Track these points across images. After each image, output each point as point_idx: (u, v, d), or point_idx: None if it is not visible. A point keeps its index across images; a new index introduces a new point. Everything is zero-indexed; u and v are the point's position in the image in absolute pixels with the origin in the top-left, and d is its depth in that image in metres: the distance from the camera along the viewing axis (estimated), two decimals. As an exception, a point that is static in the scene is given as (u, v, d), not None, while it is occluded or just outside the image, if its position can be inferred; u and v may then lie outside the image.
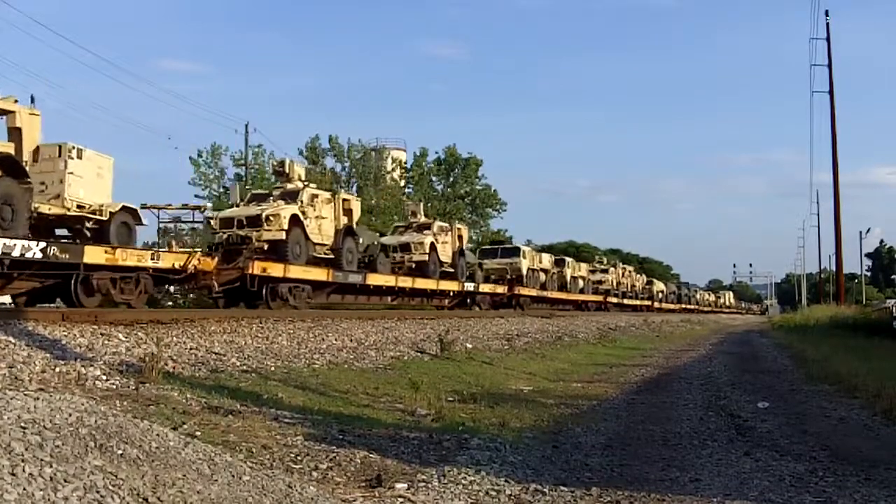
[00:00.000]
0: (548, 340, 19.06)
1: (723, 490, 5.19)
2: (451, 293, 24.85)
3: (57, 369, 7.03)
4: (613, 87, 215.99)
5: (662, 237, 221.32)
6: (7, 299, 13.15)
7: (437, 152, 51.21)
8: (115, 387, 6.82)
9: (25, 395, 4.59)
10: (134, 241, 14.48)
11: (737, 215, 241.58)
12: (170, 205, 18.84)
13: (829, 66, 33.52)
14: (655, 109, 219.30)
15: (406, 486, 4.89)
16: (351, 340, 12.56)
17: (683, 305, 62.86)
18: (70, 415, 4.21)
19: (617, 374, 13.50)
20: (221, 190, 38.46)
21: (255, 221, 16.27)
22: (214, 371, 8.46)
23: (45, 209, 12.65)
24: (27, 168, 12.22)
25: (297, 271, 16.23)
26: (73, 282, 11.69)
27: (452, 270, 24.64)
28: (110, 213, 13.78)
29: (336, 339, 12.34)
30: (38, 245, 10.94)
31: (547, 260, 34.29)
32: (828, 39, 33.76)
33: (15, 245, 10.48)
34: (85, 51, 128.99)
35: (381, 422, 7.01)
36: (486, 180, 51.92)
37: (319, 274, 17.20)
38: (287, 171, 18.76)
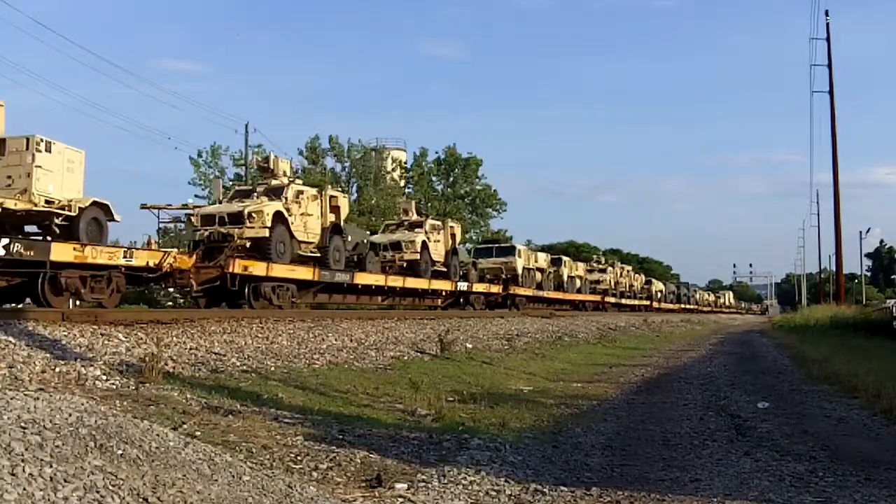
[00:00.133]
0: (548, 340, 19.06)
1: (723, 490, 5.19)
2: (444, 293, 24.25)
3: (57, 369, 7.03)
4: (613, 86, 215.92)
5: (662, 237, 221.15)
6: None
7: (437, 152, 51.31)
8: (115, 387, 6.82)
9: (25, 395, 4.59)
10: (105, 238, 13.85)
11: (737, 215, 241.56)
12: (170, 205, 18.79)
13: (829, 66, 33.54)
14: (655, 109, 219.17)
15: (406, 486, 4.89)
16: (351, 340, 12.56)
17: (683, 305, 62.70)
18: (70, 415, 4.21)
19: (617, 374, 13.50)
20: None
21: (237, 218, 15.73)
22: (214, 371, 8.46)
23: (10, 204, 12.16)
24: None
25: (280, 270, 15.78)
26: (39, 280, 11.31)
27: (445, 270, 24.13)
28: (80, 208, 13.17)
29: (336, 339, 12.34)
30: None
31: (543, 259, 33.77)
32: (828, 39, 33.79)
33: None
34: (85, 51, 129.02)
35: (381, 422, 7.01)
36: (486, 180, 52.03)
37: (305, 273, 16.68)
38: (271, 166, 18.17)
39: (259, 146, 40.90)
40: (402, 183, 48.83)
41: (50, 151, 12.95)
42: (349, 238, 19.16)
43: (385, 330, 14.46)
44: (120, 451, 3.91)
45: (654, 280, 57.20)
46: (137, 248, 13.93)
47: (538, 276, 32.15)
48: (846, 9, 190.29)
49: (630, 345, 22.15)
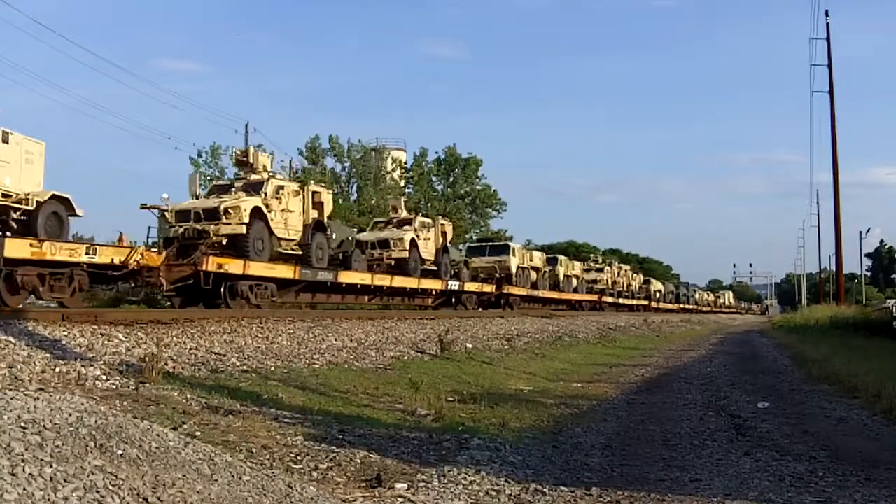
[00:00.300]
0: (548, 340, 19.06)
1: (723, 490, 5.19)
2: (434, 292, 23.62)
3: (57, 369, 7.03)
4: (613, 86, 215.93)
5: (662, 237, 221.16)
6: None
7: (437, 152, 51.34)
8: (115, 387, 6.82)
9: (25, 395, 4.59)
10: (66, 234, 13.24)
11: (737, 215, 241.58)
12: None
13: (829, 66, 33.55)
14: (655, 109, 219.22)
15: (406, 486, 4.89)
16: (351, 340, 12.56)
17: (682, 305, 62.50)
18: (70, 415, 4.21)
19: (617, 374, 13.50)
20: None
21: (213, 214, 15.14)
22: (214, 371, 8.46)
23: None
24: None
25: (258, 268, 15.19)
26: None
27: (435, 268, 23.51)
28: (38, 202, 12.58)
29: (336, 339, 12.34)
30: None
31: (538, 258, 33.20)
32: (828, 39, 33.79)
33: None
34: (85, 51, 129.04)
35: (381, 422, 7.01)
36: (486, 180, 52.05)
37: (285, 271, 16.12)
38: (251, 160, 17.42)
39: (259, 146, 40.91)
40: (402, 183, 48.83)
41: (7, 142, 12.49)
42: (333, 235, 18.60)
43: (385, 330, 14.46)
44: (120, 451, 3.91)
45: (652, 280, 56.87)
46: (101, 245, 13.06)
47: (533, 275, 31.62)
48: (846, 9, 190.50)
49: (630, 345, 22.15)
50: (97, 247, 12.65)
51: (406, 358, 12.04)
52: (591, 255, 49.24)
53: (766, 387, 11.42)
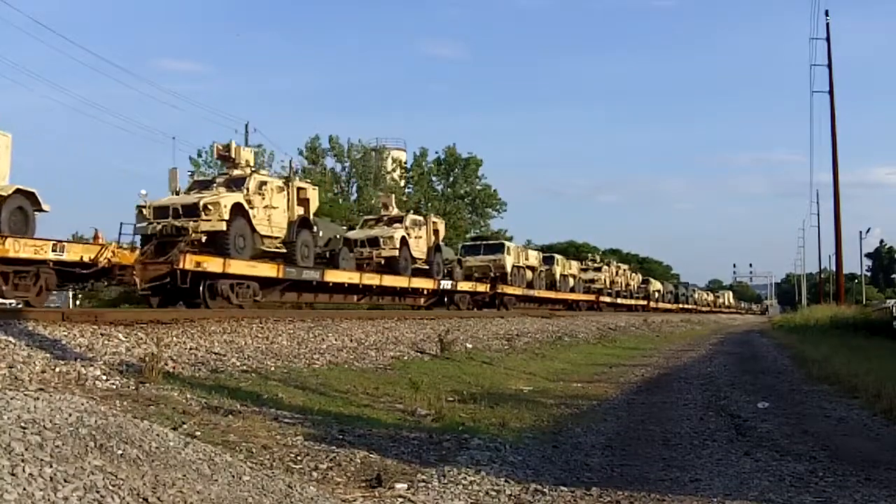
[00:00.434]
0: (548, 340, 19.07)
1: (723, 490, 5.19)
2: (426, 292, 22.93)
3: (57, 369, 7.03)
4: (613, 86, 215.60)
5: (662, 237, 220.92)
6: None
7: (437, 152, 51.37)
8: (115, 387, 6.83)
9: (25, 395, 4.60)
10: (32, 230, 12.53)
11: (737, 215, 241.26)
12: None
13: (829, 66, 33.55)
14: (655, 109, 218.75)
15: (406, 486, 4.89)
16: (351, 340, 12.57)
17: (681, 305, 62.20)
18: (70, 415, 4.22)
19: (617, 374, 13.51)
20: None
21: (191, 210, 14.52)
22: (214, 371, 8.46)
23: None
24: None
25: (239, 266, 14.59)
26: None
27: (427, 267, 22.81)
28: (1, 196, 12.03)
29: (336, 339, 12.34)
30: None
31: (534, 257, 32.54)
32: (828, 39, 33.79)
33: None
34: (85, 51, 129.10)
35: (381, 422, 7.01)
36: (486, 180, 52.07)
37: (267, 270, 15.56)
38: (233, 155, 16.61)
39: (259, 146, 40.93)
40: (402, 183, 48.86)
41: None
42: (320, 233, 17.95)
43: (385, 330, 14.46)
44: (120, 451, 3.91)
45: (651, 279, 56.54)
46: (69, 242, 12.52)
47: (529, 274, 31.11)
48: (846, 9, 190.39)
49: (630, 345, 22.16)
50: (65, 244, 12.21)
51: (406, 358, 12.05)
52: (589, 255, 48.71)
53: (766, 387, 11.42)
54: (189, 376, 7.94)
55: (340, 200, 42.79)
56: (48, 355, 7.51)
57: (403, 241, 21.44)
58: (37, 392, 5.17)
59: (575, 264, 39.57)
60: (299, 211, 17.12)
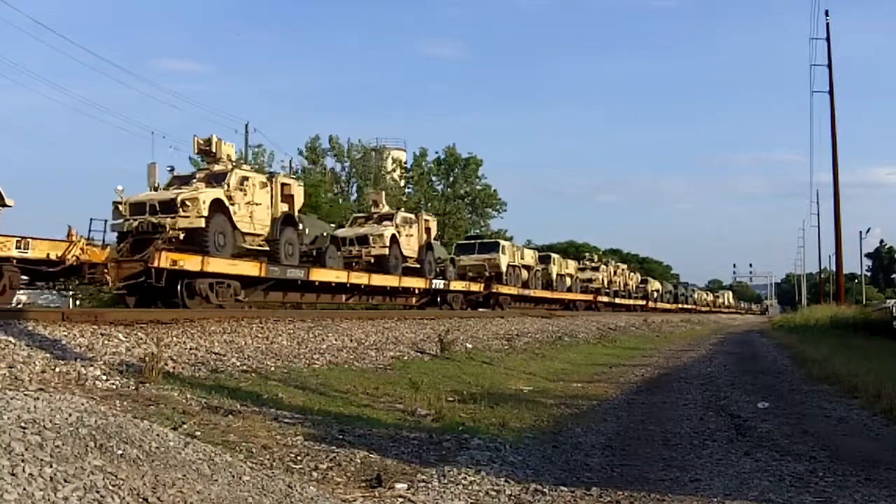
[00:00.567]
0: (548, 340, 19.06)
1: (723, 490, 5.19)
2: (417, 291, 22.35)
3: (57, 369, 7.03)
4: (613, 86, 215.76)
5: (662, 237, 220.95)
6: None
7: (437, 152, 51.30)
8: (115, 387, 6.83)
9: (25, 395, 4.60)
10: None
11: (737, 215, 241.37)
12: None
13: (829, 66, 33.53)
14: (655, 109, 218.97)
15: (406, 486, 4.89)
16: (351, 340, 12.57)
17: (680, 305, 61.83)
18: (70, 415, 4.22)
19: (617, 374, 13.51)
20: None
21: (169, 206, 13.97)
22: (214, 371, 8.46)
23: None
24: None
25: (219, 265, 14.02)
26: None
27: (418, 266, 22.28)
28: None
29: (336, 339, 12.34)
30: None
31: (530, 256, 31.97)
32: (828, 39, 33.78)
33: None
34: (85, 51, 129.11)
35: (381, 422, 7.02)
36: (486, 180, 52.01)
37: (249, 268, 14.97)
38: (213, 150, 15.93)
39: (259, 146, 40.93)
40: (402, 183, 48.85)
41: None
42: (306, 231, 17.38)
43: (385, 330, 14.46)
44: (120, 451, 3.91)
45: (650, 279, 56.24)
46: (35, 238, 12.02)
47: (524, 273, 30.62)
48: (846, 9, 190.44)
49: (630, 345, 22.15)
50: (30, 240, 11.81)
51: (406, 358, 12.05)
52: (587, 254, 48.10)
53: (766, 387, 11.42)
54: (189, 376, 7.94)
55: (340, 200, 42.75)
56: (48, 355, 7.51)
57: (394, 239, 20.94)
58: (37, 392, 5.17)
59: (572, 264, 39.10)
60: (283, 207, 16.57)
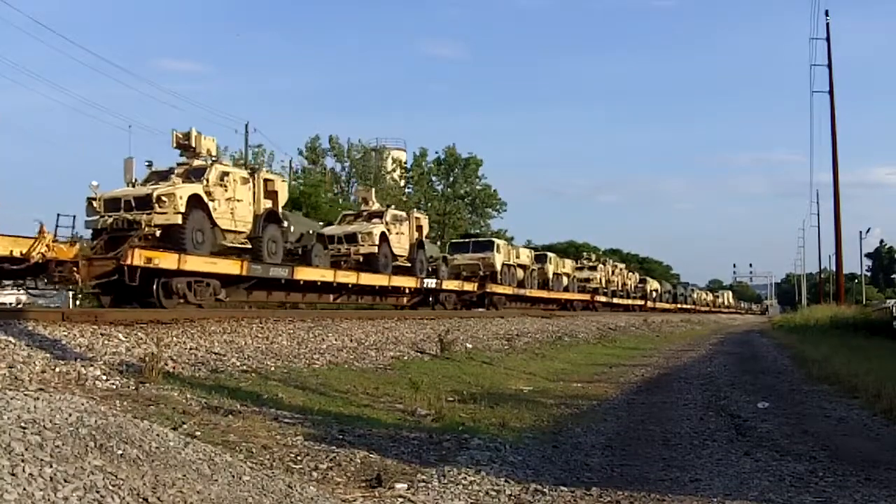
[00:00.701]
0: (548, 340, 19.07)
1: (723, 490, 5.19)
2: (408, 290, 21.82)
3: (57, 369, 7.03)
4: (613, 86, 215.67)
5: (662, 237, 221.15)
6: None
7: (437, 152, 51.41)
8: (115, 387, 6.83)
9: (25, 395, 4.60)
10: None
11: (737, 215, 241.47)
12: None
13: (829, 66, 33.56)
14: (655, 109, 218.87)
15: (406, 486, 4.89)
16: (351, 340, 12.57)
17: (679, 305, 61.59)
18: (70, 415, 4.22)
19: (617, 374, 13.51)
20: None
21: (145, 203, 13.49)
22: (214, 371, 8.46)
23: None
24: None
25: (197, 263, 13.42)
26: None
27: (409, 265, 21.75)
28: None
29: (336, 339, 12.35)
30: None
31: (525, 255, 31.62)
32: (828, 39, 33.81)
33: None
34: (85, 51, 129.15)
35: (381, 422, 7.02)
36: (486, 180, 52.09)
37: (229, 266, 14.31)
38: (193, 144, 15.29)
39: (259, 146, 40.96)
40: (402, 183, 48.87)
41: None
42: (291, 228, 16.90)
43: (385, 330, 14.46)
44: (120, 451, 3.91)
45: (648, 279, 55.97)
46: None
47: (520, 273, 30.25)
48: (846, 9, 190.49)
49: (630, 345, 22.16)
50: None
51: (406, 358, 12.05)
52: (584, 253, 47.56)
53: (766, 387, 11.42)
54: (189, 376, 7.94)
55: (340, 200, 42.77)
56: (48, 355, 7.51)
57: (383, 237, 20.37)
58: (37, 392, 5.17)
59: (569, 263, 38.71)
60: (266, 204, 16.00)
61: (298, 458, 5.32)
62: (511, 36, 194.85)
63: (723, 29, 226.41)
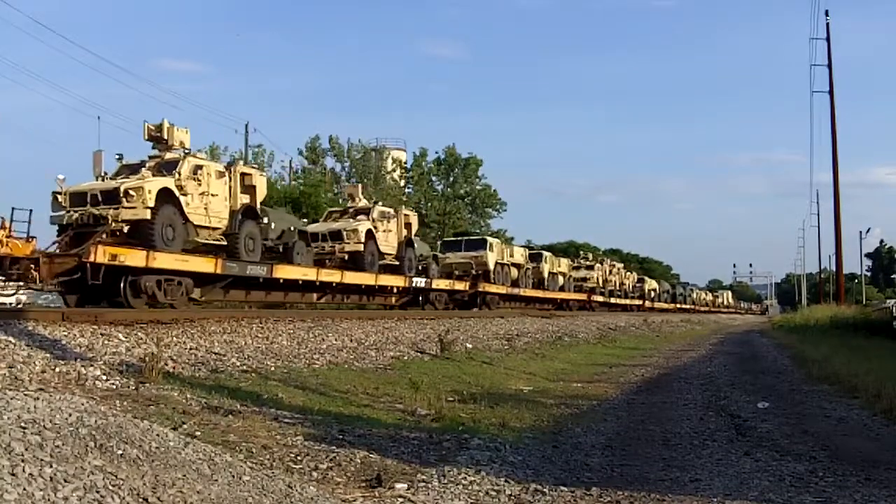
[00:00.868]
0: (548, 340, 19.07)
1: (723, 490, 5.19)
2: (396, 290, 21.09)
3: (57, 369, 7.03)
4: (613, 86, 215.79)
5: (662, 237, 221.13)
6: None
7: (437, 152, 51.32)
8: (115, 387, 6.83)
9: (25, 395, 4.60)
10: None
11: (737, 215, 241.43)
12: None
13: (829, 66, 33.57)
14: (655, 109, 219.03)
15: (406, 486, 4.89)
16: (351, 340, 12.57)
17: (678, 305, 61.10)
18: (70, 415, 4.22)
19: (617, 374, 13.51)
20: None
21: (112, 197, 12.83)
22: (214, 371, 8.46)
23: None
24: None
25: (167, 260, 12.67)
26: None
27: (398, 263, 21.07)
28: None
29: (336, 339, 12.35)
30: None
31: (519, 254, 31.02)
32: (828, 39, 33.81)
33: None
34: (85, 51, 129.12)
35: (381, 422, 7.02)
36: (486, 180, 52.02)
37: (203, 264, 13.59)
38: (165, 136, 14.53)
39: (259, 146, 40.95)
40: (402, 183, 48.85)
41: None
42: (272, 225, 16.21)
43: (385, 330, 14.46)
44: (120, 451, 3.91)
45: (646, 278, 55.54)
46: None
47: (514, 272, 29.40)
48: (846, 9, 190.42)
49: (630, 345, 22.16)
50: None
51: (406, 358, 12.05)
52: (581, 252, 47.09)
53: (766, 387, 11.42)
54: (189, 376, 7.94)
55: (340, 200, 42.78)
56: (48, 355, 7.51)
57: (370, 234, 19.64)
58: (37, 392, 5.17)
59: (565, 262, 38.08)
60: (244, 199, 15.28)
61: (298, 458, 5.32)
62: (511, 36, 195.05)
63: (723, 29, 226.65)
